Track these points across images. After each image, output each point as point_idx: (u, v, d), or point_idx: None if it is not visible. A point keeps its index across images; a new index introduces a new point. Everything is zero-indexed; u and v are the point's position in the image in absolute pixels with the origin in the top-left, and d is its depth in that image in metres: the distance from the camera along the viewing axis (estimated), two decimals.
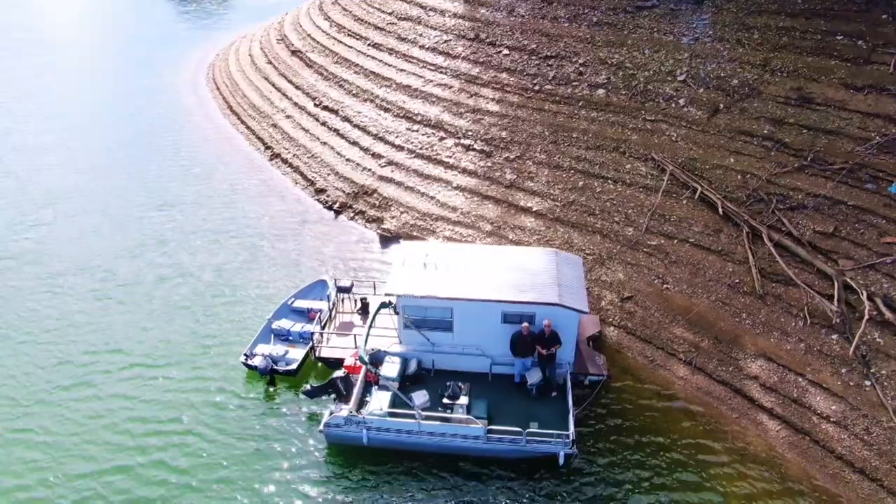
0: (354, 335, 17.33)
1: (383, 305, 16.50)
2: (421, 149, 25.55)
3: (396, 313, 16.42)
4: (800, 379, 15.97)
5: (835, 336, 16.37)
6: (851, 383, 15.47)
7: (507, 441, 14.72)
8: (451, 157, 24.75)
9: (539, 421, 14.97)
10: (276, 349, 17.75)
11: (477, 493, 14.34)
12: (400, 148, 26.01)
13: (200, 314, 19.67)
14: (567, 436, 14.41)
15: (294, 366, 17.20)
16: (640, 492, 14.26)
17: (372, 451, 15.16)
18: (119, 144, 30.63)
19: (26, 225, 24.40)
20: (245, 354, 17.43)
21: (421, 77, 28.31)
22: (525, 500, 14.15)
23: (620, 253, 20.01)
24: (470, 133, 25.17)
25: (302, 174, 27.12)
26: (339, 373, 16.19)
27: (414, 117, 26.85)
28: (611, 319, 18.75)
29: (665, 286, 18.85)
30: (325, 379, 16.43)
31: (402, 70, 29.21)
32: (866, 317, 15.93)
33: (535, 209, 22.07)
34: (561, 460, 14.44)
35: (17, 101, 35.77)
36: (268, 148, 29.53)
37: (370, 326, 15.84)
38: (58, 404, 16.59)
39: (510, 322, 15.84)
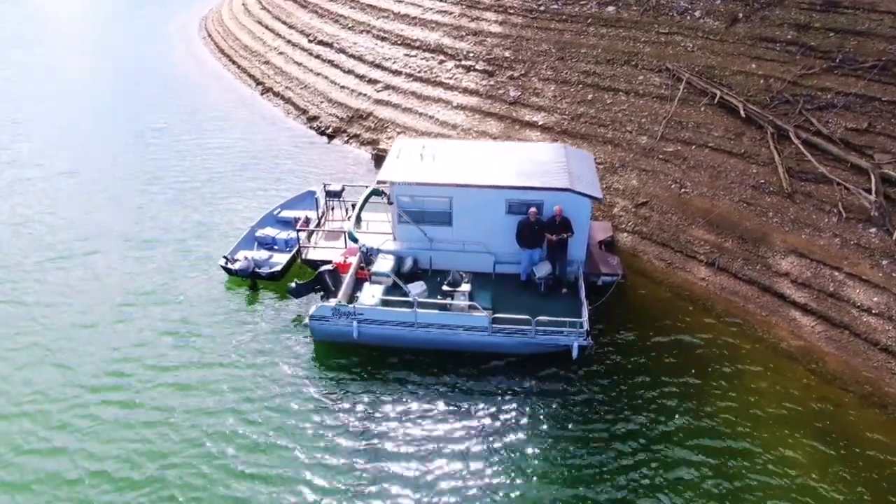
0: (344, 234, 15.81)
1: (375, 193, 15.03)
2: (419, 72, 24.07)
3: (390, 204, 14.93)
4: (836, 273, 14.45)
5: (873, 229, 14.87)
6: (894, 274, 13.97)
7: (514, 333, 13.18)
8: (451, 78, 23.26)
9: (548, 315, 13.39)
10: (260, 254, 16.26)
11: (479, 394, 12.67)
12: (397, 73, 24.54)
13: (200, 205, 19.28)
14: (581, 324, 12.90)
15: (278, 269, 15.69)
16: (660, 389, 12.69)
17: (363, 349, 13.61)
18: (106, 84, 29.61)
19: (13, 135, 24.00)
20: (225, 258, 15.93)
21: (420, 6, 26.84)
22: (533, 399, 12.57)
23: (634, 161, 18.51)
24: (471, 54, 23.69)
25: (294, 104, 25.66)
26: (326, 267, 14.65)
27: (412, 43, 25.36)
28: (624, 225, 17.25)
29: (683, 190, 17.35)
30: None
31: (399, 1, 27.75)
32: None
33: (540, 123, 20.57)
34: (575, 353, 12.89)
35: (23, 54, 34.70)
36: (259, 83, 28.09)
37: (360, 208, 14.37)
38: (47, 282, 15.93)
39: (515, 213, 14.33)
